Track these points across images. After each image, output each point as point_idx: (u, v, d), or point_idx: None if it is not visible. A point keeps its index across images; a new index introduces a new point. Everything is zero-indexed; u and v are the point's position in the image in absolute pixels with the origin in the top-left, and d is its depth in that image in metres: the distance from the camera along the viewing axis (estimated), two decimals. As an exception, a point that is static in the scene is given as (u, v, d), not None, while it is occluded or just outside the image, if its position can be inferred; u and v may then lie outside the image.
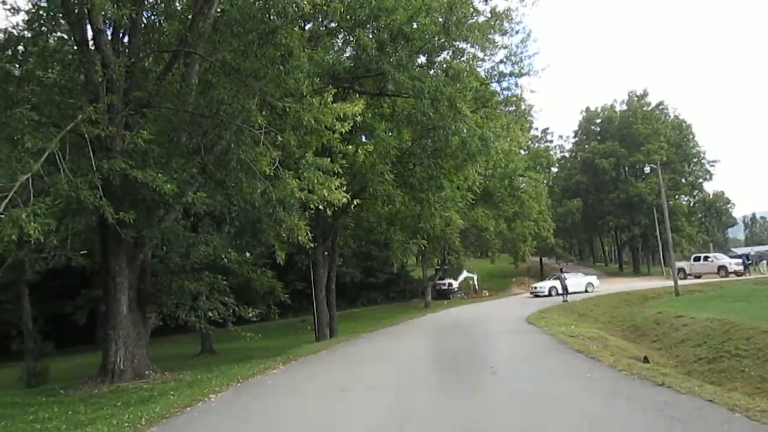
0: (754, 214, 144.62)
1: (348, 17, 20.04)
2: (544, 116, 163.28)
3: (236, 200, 16.33)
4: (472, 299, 48.91)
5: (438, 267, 51.37)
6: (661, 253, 58.88)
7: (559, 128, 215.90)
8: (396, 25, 19.30)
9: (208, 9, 15.26)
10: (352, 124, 17.51)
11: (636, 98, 69.89)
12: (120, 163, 13.09)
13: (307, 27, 21.38)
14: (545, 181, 58.38)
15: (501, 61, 25.43)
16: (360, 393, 10.35)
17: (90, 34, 15.23)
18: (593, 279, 42.72)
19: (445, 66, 22.14)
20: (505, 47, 24.55)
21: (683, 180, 68.06)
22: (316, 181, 14.96)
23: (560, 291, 37.20)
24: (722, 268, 44.07)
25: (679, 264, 42.74)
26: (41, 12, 14.69)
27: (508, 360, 13.11)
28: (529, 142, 53.66)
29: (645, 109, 68.58)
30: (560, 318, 23.78)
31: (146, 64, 16.88)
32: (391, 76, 19.01)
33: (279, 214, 14.91)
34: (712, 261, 45.99)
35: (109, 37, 15.50)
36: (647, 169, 65.63)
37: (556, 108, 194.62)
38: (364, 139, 24.61)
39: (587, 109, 74.87)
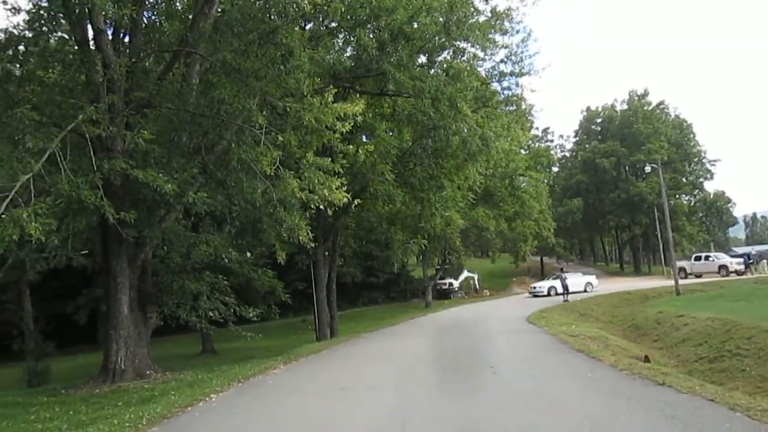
0: (754, 214, 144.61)
1: (348, 17, 20.04)
2: (545, 116, 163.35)
3: (237, 200, 16.35)
4: (472, 299, 48.91)
5: (438, 267, 51.39)
6: (661, 253, 58.85)
7: (560, 128, 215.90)
8: (396, 25, 19.29)
9: (209, 9, 15.27)
10: (352, 124, 17.49)
11: (637, 98, 69.88)
12: (121, 163, 13.09)
13: (307, 27, 21.39)
14: (546, 181, 58.37)
15: (501, 61, 25.46)
16: (361, 393, 10.36)
17: (91, 34, 15.24)
18: (592, 279, 42.69)
19: (445, 66, 22.16)
20: (506, 47, 24.56)
21: (684, 179, 68.02)
22: (316, 181, 14.95)
23: (559, 291, 37.21)
24: (723, 268, 44.01)
25: (679, 263, 42.69)
26: (42, 12, 14.67)
27: (509, 360, 13.11)
28: (530, 142, 53.59)
29: (646, 108, 68.54)
30: (561, 318, 23.79)
31: (147, 64, 16.88)
32: (392, 76, 19.02)
33: (280, 214, 14.89)
34: (712, 260, 45.93)
35: (110, 37, 15.52)
36: (648, 169, 65.24)
37: (557, 107, 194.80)
38: (364, 139, 24.59)
39: (588, 108, 74.91)
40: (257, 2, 15.07)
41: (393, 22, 19.28)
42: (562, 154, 78.56)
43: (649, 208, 59.90)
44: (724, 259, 46.73)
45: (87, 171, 12.48)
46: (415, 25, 19.84)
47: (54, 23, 15.43)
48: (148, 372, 15.69)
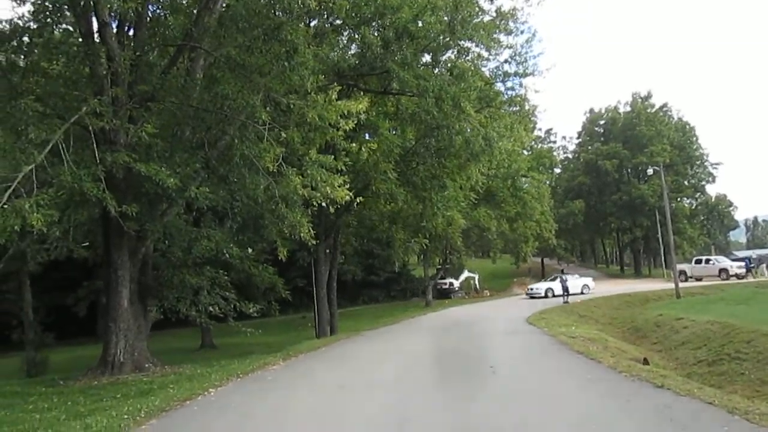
0: (756, 218, 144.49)
1: (353, 14, 20.01)
2: (548, 117, 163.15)
3: (239, 196, 16.36)
4: (472, 299, 48.89)
5: (439, 266, 51.41)
6: (662, 256, 58.82)
7: (563, 129, 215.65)
8: (401, 24, 19.26)
9: (214, 4, 15.27)
10: (356, 122, 17.51)
11: (640, 100, 69.83)
12: (124, 156, 13.11)
13: (312, 24, 21.39)
14: (548, 182, 58.29)
15: (506, 61, 25.38)
16: (360, 391, 10.36)
17: (95, 26, 15.27)
18: (589, 281, 42.50)
19: (449, 65, 22.12)
20: (510, 47, 24.49)
21: (686, 182, 67.96)
22: (319, 178, 14.96)
23: (556, 293, 37.23)
24: (723, 271, 43.97)
25: (680, 266, 42.64)
26: (47, 3, 14.68)
27: (509, 360, 13.11)
28: (533, 143, 53.54)
29: (649, 110, 68.52)
30: (561, 319, 23.77)
31: (151, 57, 16.88)
32: (396, 75, 19.00)
33: (282, 211, 14.89)
34: (713, 264, 45.88)
35: (115, 30, 15.54)
36: (650, 171, 65.59)
37: (560, 108, 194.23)
38: (367, 137, 24.58)
39: (591, 110, 74.92)
40: (262, -2, 15.05)
41: (398, 20, 19.26)
42: (565, 155, 78.58)
43: (651, 210, 59.89)
44: (724, 262, 46.67)
45: (90, 163, 12.49)
46: (420, 24, 19.81)
47: (59, 15, 15.45)
48: (147, 365, 15.73)
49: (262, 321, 26.98)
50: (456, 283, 53.62)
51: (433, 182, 24.18)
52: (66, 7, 14.88)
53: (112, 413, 9.18)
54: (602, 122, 72.92)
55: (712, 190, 75.49)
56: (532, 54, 28.39)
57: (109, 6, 14.29)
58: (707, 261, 46.93)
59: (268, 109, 14.74)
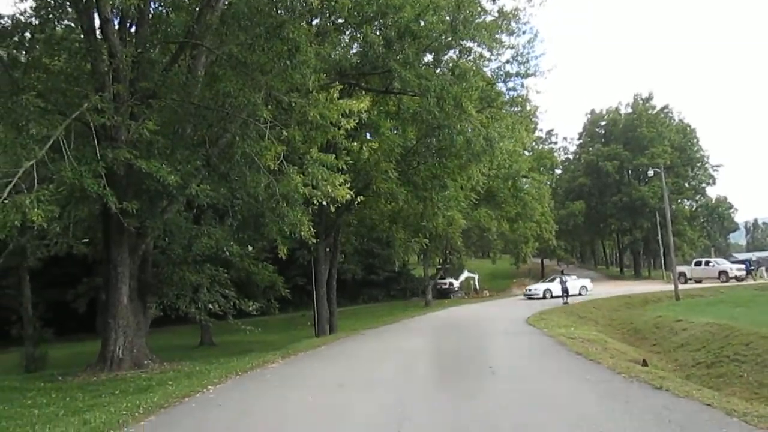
0: (756, 220, 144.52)
1: (355, 13, 20.01)
2: (549, 117, 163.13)
3: (239, 194, 16.36)
4: (472, 299, 48.90)
5: (439, 266, 51.47)
6: (662, 257, 58.85)
7: (564, 130, 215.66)
8: (403, 23, 19.26)
9: (216, 2, 15.29)
10: (357, 121, 17.51)
11: (641, 101, 69.89)
12: (125, 153, 13.11)
13: (314, 22, 21.39)
14: (548, 183, 58.35)
15: (507, 62, 25.39)
16: (359, 390, 10.36)
17: (97, 23, 15.27)
18: (587, 282, 42.42)
19: (451, 65, 22.11)
20: (512, 47, 24.50)
21: (686, 184, 68.01)
22: (320, 177, 14.96)
23: (554, 294, 37.28)
24: (723, 273, 44.01)
25: (680, 268, 42.65)
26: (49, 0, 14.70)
27: (508, 360, 13.11)
28: (534, 144, 53.59)
29: (650, 112, 68.60)
30: (560, 320, 23.78)
31: (153, 54, 16.86)
32: (398, 74, 18.99)
33: (282, 209, 14.89)
34: (713, 266, 45.92)
35: (117, 27, 15.52)
36: (650, 173, 65.55)
37: (561, 109, 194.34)
38: (368, 137, 24.59)
39: (592, 111, 74.99)
40: (265, -4, 15.05)
41: (400, 19, 19.25)
42: (566, 156, 78.73)
43: (651, 212, 59.92)
44: (724, 264, 46.71)
45: (90, 159, 12.48)
46: (422, 24, 19.81)
47: (61, 11, 15.48)
48: (145, 362, 15.74)
49: (262, 319, 27.01)
50: (456, 283, 53.63)
51: (434, 182, 24.19)
52: (68, 3, 14.91)
53: (110, 409, 9.19)
54: (603, 123, 72.96)
55: (712, 192, 75.62)
56: (534, 54, 28.25)
57: (111, 3, 14.32)
58: (707, 263, 46.98)
59: (269, 107, 14.75)
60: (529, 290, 42.14)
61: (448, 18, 19.88)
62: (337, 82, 19.06)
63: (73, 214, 16.66)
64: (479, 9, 21.38)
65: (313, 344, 18.86)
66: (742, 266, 45.66)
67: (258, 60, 14.44)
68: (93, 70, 15.15)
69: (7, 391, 13.21)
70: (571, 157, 78.73)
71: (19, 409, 10.54)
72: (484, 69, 24.86)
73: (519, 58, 25.09)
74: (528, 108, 34.96)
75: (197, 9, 16.04)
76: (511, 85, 27.68)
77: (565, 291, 34.35)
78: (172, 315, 18.41)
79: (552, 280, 41.95)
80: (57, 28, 16.07)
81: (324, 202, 15.71)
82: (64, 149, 11.87)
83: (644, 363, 14.73)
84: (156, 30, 17.27)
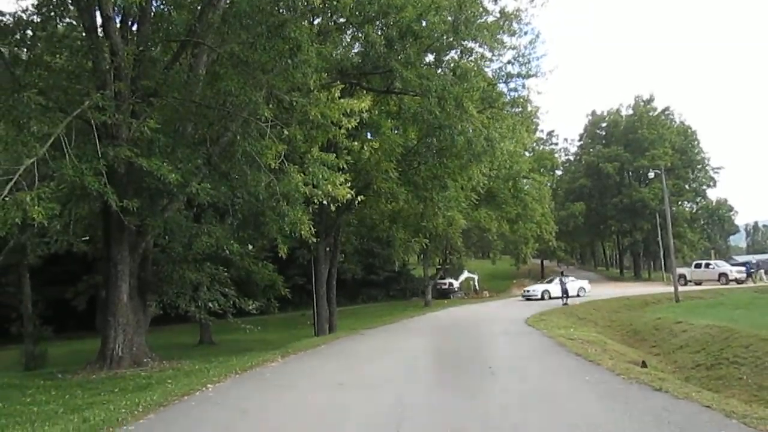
0: (756, 223, 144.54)
1: (357, 13, 20.01)
2: (550, 118, 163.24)
3: (240, 192, 16.36)
4: (472, 300, 48.92)
5: (439, 266, 51.45)
6: (662, 259, 58.87)
7: (565, 131, 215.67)
8: (405, 23, 19.26)
9: (218, 0, 15.28)
10: (358, 121, 17.52)
11: (642, 103, 69.92)
12: (125, 151, 13.11)
13: (316, 21, 21.40)
14: (549, 184, 58.35)
15: (509, 62, 25.43)
16: (358, 389, 10.36)
17: (99, 21, 15.27)
18: (585, 283, 42.28)
19: (452, 65, 22.13)
20: (514, 48, 24.53)
21: (687, 186, 68.04)
22: (320, 176, 14.94)
23: (553, 295, 37.27)
24: (723, 276, 44.03)
25: (680, 270, 42.65)
26: (51, -2, 14.72)
27: (507, 360, 13.11)
28: (534, 144, 53.58)
29: (651, 114, 68.62)
30: (560, 321, 23.78)
31: (154, 53, 16.89)
32: (399, 74, 18.99)
33: (282, 208, 14.88)
34: (713, 268, 45.94)
35: (118, 25, 15.51)
36: (651, 175, 65.62)
37: (562, 110, 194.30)
38: (369, 136, 24.59)
39: (593, 112, 75.04)
40: (266, -5, 15.05)
41: (402, 19, 19.25)
42: (566, 157, 78.78)
43: (651, 214, 59.94)
44: (724, 267, 46.74)
45: (91, 157, 12.48)
46: (424, 24, 19.81)
47: (62, 9, 15.48)
48: (145, 360, 15.74)
49: (261, 318, 27.04)
50: (455, 284, 53.65)
51: (435, 182, 24.19)
52: (70, 1, 14.89)
53: (110, 407, 9.19)
54: (604, 125, 73.00)
55: (712, 194, 75.83)
56: (536, 55, 28.45)
57: (113, 1, 14.31)
58: (707, 265, 47.00)
59: (270, 106, 14.77)
60: (527, 291, 41.93)
61: (449, 18, 19.87)
62: (338, 82, 19.06)
63: (73, 212, 16.68)
64: (481, 9, 21.38)
65: (313, 343, 18.86)
66: (743, 269, 45.67)
67: (259, 59, 14.44)
68: (94, 68, 15.14)
69: (6, 388, 13.22)
70: (571, 158, 78.85)
71: (18, 406, 10.55)
72: (486, 69, 24.93)
73: (520, 59, 25.15)
74: (529, 109, 35.00)
75: (199, 7, 16.04)
76: (512, 85, 27.79)
77: (564, 292, 34.35)
78: (171, 313, 18.41)
79: (550, 281, 41.91)
80: (59, 26, 16.06)
81: (324, 202, 15.70)
82: (65, 147, 11.87)
83: (643, 364, 14.71)
84: (158, 28, 17.26)
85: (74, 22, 16.12)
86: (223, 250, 17.33)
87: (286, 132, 14.90)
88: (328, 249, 26.43)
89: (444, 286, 52.23)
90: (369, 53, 20.17)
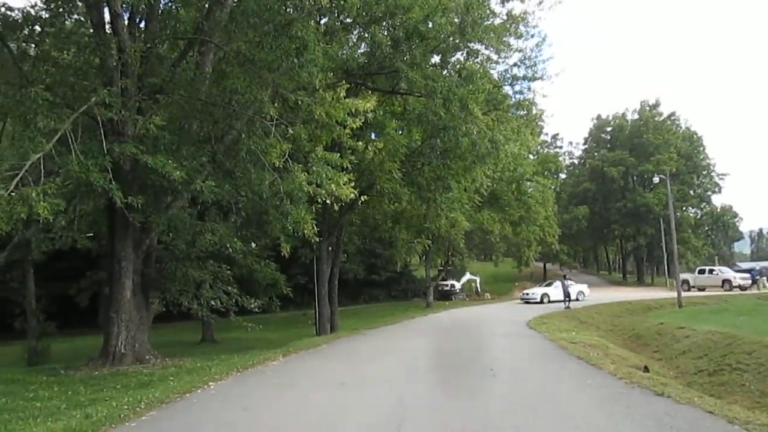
0: (761, 230, 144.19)
1: (364, 13, 20.03)
2: (555, 121, 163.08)
3: (244, 191, 16.39)
4: (473, 301, 48.87)
5: (441, 268, 51.40)
6: (665, 264, 58.75)
7: (570, 134, 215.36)
8: (411, 24, 19.27)
9: (225, -2, 15.31)
10: (363, 121, 17.55)
11: (648, 108, 69.81)
12: (131, 148, 13.15)
13: (322, 21, 21.42)
14: (553, 187, 58.33)
15: (515, 65, 25.45)
16: (359, 390, 10.37)
17: (107, 17, 15.31)
18: (584, 287, 42.01)
19: (458, 67, 22.14)
20: (520, 50, 24.61)
21: (691, 192, 67.95)
22: (324, 175, 14.95)
23: (552, 298, 37.22)
24: (727, 282, 43.90)
25: (683, 276, 42.56)
26: (59, -7, 14.77)
27: (509, 363, 13.10)
28: (539, 147, 53.56)
29: (656, 119, 68.53)
30: (561, 324, 23.73)
31: (161, 50, 16.94)
32: (404, 75, 19.01)
33: (286, 207, 14.90)
34: (716, 274, 45.81)
35: (126, 22, 15.56)
36: (656, 180, 65.52)
37: (568, 114, 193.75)
38: (374, 137, 24.61)
39: (598, 116, 75.05)
40: (274, -6, 15.07)
41: (408, 20, 19.26)
42: (571, 161, 78.73)
43: (655, 219, 59.84)
44: (728, 273, 46.58)
45: (97, 154, 12.52)
46: (430, 25, 19.82)
47: (71, 5, 15.54)
48: (147, 357, 15.77)
49: (263, 317, 27.06)
50: (457, 285, 53.58)
51: (438, 183, 24.18)
52: (78, -3, 14.95)
53: (112, 404, 9.22)
54: (609, 129, 72.94)
55: (717, 200, 75.63)
56: (542, 58, 28.38)
57: (121, -2, 14.37)
58: (710, 271, 46.89)
59: (276, 105, 14.79)
60: (526, 294, 41.53)
61: (456, 20, 19.88)
62: (343, 82, 19.12)
63: (78, 208, 16.72)
64: (488, 11, 21.41)
65: (314, 343, 18.88)
66: (747, 275, 45.46)
67: (265, 57, 14.47)
68: (101, 65, 15.19)
69: (9, 384, 13.23)
70: (576, 161, 78.80)
71: (21, 402, 10.57)
72: (491, 71, 24.95)
73: (526, 62, 25.18)
74: (534, 111, 34.97)
75: (206, 6, 16.06)
76: (517, 88, 27.79)
77: (567, 295, 34.27)
78: (174, 311, 18.43)
79: (549, 285, 41.80)
80: (67, 22, 16.10)
81: (328, 201, 15.74)
82: (71, 143, 11.93)
83: (645, 369, 14.67)
84: (165, 26, 17.30)
85: (82, 19, 16.16)
86: (227, 248, 17.36)
87: (290, 131, 14.93)
88: (330, 248, 26.44)
89: (446, 288, 52.18)
90: (375, 53, 20.19)
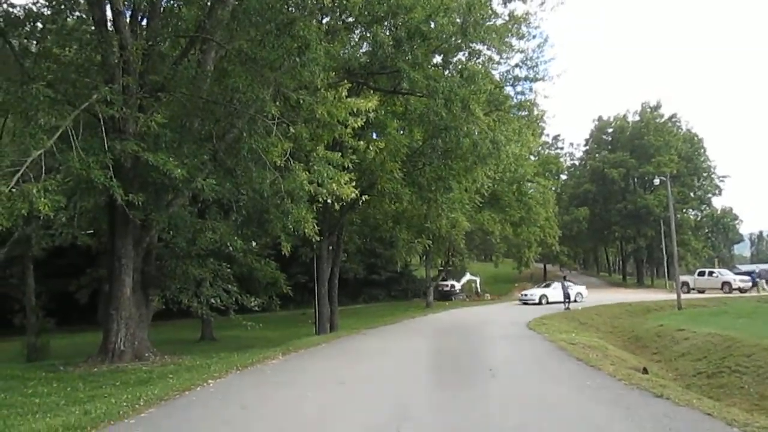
0: (761, 232, 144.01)
1: (366, 13, 19.99)
2: (556, 122, 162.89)
3: (245, 189, 16.38)
4: (473, 302, 48.85)
5: (441, 268, 51.40)
6: (665, 266, 58.74)
7: (571, 135, 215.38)
8: (414, 24, 19.25)
9: (228, -3, 15.31)
10: (364, 120, 17.52)
11: (649, 109, 69.83)
12: (132, 145, 13.15)
13: (324, 20, 21.41)
14: (553, 188, 58.32)
15: (516, 65, 25.46)
16: (358, 389, 10.38)
17: (109, 15, 15.32)
18: (582, 289, 41.92)
19: (460, 67, 22.09)
20: (522, 51, 24.60)
21: (692, 194, 67.91)
22: (325, 174, 14.95)
23: (551, 300, 37.22)
24: (726, 284, 43.90)
25: (683, 278, 42.55)
26: (62, -10, 14.78)
27: (508, 364, 13.10)
28: (540, 148, 53.51)
29: (657, 120, 68.53)
30: (561, 325, 23.74)
31: (163, 48, 16.94)
32: (406, 74, 18.98)
33: (287, 206, 14.90)
34: (716, 276, 45.80)
35: (128, 19, 15.56)
36: (656, 181, 65.51)
37: (569, 115, 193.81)
38: (375, 136, 24.58)
39: (599, 118, 75.04)
40: (276, -8, 15.07)
41: (410, 20, 19.24)
42: (572, 162, 78.70)
43: (656, 220, 59.83)
44: (727, 275, 46.59)
45: (98, 151, 12.52)
46: (432, 25, 19.79)
47: (73, 2, 15.55)
48: (147, 354, 15.78)
49: (263, 315, 27.09)
50: (457, 286, 53.57)
51: (439, 183, 24.16)
52: (80, -6, 14.95)
53: (111, 400, 9.23)
54: (610, 130, 72.94)
55: (718, 202, 75.67)
56: (543, 59, 28.44)
57: (123, -5, 14.38)
58: (710, 273, 46.87)
59: (277, 103, 14.79)
60: (525, 295, 41.28)
61: (458, 20, 19.85)
62: (345, 81, 19.07)
63: (79, 205, 16.71)
64: (490, 12, 21.37)
65: (314, 342, 18.88)
66: (747, 278, 45.45)
67: (267, 56, 14.46)
68: (103, 62, 15.18)
69: (8, 379, 13.24)
70: (576, 163, 78.79)
71: (20, 397, 10.58)
72: (493, 72, 24.95)
73: (528, 62, 25.21)
74: (535, 112, 34.95)
75: (208, 4, 16.06)
76: (519, 88, 27.81)
77: (567, 296, 34.28)
78: (174, 308, 18.47)
79: (547, 286, 41.76)
80: (68, 19, 16.11)
81: (329, 200, 15.72)
82: (72, 140, 11.92)
83: (645, 371, 14.69)
84: (167, 23, 17.30)
85: (84, 16, 16.17)
86: (227, 246, 17.36)
87: (292, 130, 14.92)
88: (330, 248, 26.43)
89: (446, 288, 52.18)
90: (377, 53, 20.16)
